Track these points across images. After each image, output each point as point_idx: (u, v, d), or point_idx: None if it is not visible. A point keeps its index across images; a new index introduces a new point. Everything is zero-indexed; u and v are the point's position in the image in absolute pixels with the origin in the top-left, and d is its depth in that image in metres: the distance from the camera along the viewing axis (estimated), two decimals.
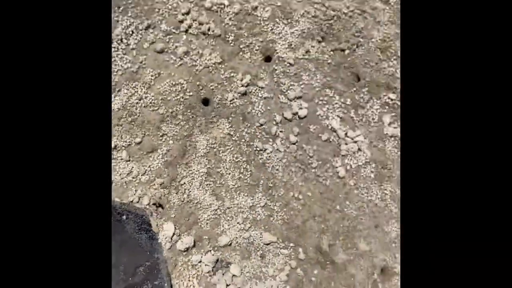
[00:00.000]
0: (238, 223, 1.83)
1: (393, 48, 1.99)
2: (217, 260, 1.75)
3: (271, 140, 1.90)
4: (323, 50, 2.00)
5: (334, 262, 1.73)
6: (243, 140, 1.90)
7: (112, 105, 1.81)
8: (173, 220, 1.77)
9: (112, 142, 1.79)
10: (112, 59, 1.81)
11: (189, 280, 1.69)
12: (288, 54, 1.98)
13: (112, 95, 1.82)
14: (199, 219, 1.80)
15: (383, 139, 1.88)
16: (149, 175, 1.80)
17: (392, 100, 1.94)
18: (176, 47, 1.87)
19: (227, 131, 1.89)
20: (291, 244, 1.77)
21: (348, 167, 1.85)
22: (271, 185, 1.84)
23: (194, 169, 1.85)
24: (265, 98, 1.92)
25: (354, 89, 1.96)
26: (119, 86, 1.82)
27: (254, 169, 1.88)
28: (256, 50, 1.98)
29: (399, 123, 1.91)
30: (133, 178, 1.79)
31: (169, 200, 1.80)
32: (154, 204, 1.76)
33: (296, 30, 1.99)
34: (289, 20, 2.01)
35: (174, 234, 1.72)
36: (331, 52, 1.99)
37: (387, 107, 1.95)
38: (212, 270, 1.73)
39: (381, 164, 1.85)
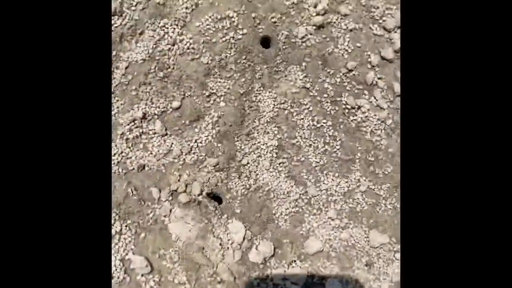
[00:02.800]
0: (330, 218, 1.44)
1: None
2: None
3: (366, 92, 1.58)
4: None
5: None
6: (325, 95, 1.58)
7: (134, 55, 1.39)
8: (239, 216, 1.34)
9: (139, 110, 1.37)
10: None
11: None
12: None
13: (133, 40, 1.40)
14: (275, 214, 1.36)
15: None
16: (197, 154, 1.39)
17: None
18: None
19: (301, 84, 1.57)
20: None
21: None
22: (371, 158, 1.44)
23: (259, 142, 1.44)
24: (351, 30, 1.59)
25: None
26: (141, 27, 1.45)
27: (345, 137, 1.55)
28: None
29: None
30: (174, 158, 1.41)
31: (229, 189, 1.38)
32: (208, 194, 1.33)
33: None
34: None
35: (244, 238, 1.29)
36: None
37: None
38: None
39: None
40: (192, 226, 1.39)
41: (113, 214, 1.41)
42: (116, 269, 1.36)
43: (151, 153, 1.48)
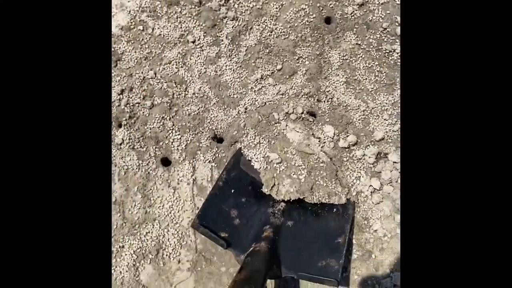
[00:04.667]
0: (385, 119, 2.40)
1: None
2: (378, 152, 2.34)
3: (397, 40, 2.44)
4: None
5: None
6: (371, 46, 2.48)
7: (249, 42, 2.53)
8: (329, 123, 2.41)
9: (258, 73, 2.49)
10: (237, 1, 2.52)
11: (358, 172, 2.31)
12: None
13: (247, 33, 2.54)
14: (352, 119, 2.42)
15: None
16: (296, 89, 2.46)
17: None
18: None
19: (355, 42, 2.49)
20: None
21: None
22: None
23: (333, 81, 2.48)
24: (382, 3, 2.50)
25: None
26: (250, 24, 2.53)
27: (387, 70, 2.45)
28: None
29: None
30: (282, 95, 2.46)
31: (319, 107, 2.45)
32: (308, 113, 2.41)
33: None
34: None
35: (334, 134, 2.35)
36: None
37: None
38: (376, 161, 2.32)
39: None
40: (300, 132, 2.48)
41: (252, 132, 2.55)
42: (261, 163, 2.48)
43: (268, 95, 2.62)
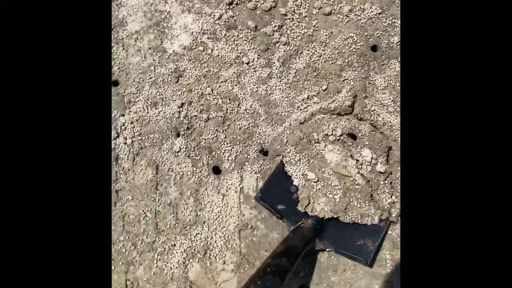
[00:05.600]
0: None
1: None
2: None
3: None
4: None
5: None
6: None
7: (298, 65, 2.74)
8: (368, 146, 2.58)
9: (305, 94, 2.70)
10: (290, 28, 2.74)
11: (390, 197, 2.46)
12: None
13: (296, 57, 2.77)
14: (396, 139, 2.55)
15: None
16: (338, 106, 2.63)
17: None
18: (341, 7, 2.74)
19: (398, 68, 2.64)
20: None
21: None
22: None
23: (379, 98, 2.61)
24: None
25: None
26: (301, 49, 2.75)
27: None
28: None
29: None
30: (324, 115, 2.66)
31: (360, 130, 2.62)
32: (347, 134, 2.60)
33: None
34: None
35: (372, 158, 2.52)
36: None
37: None
38: None
39: None
40: (338, 154, 2.67)
41: (293, 150, 2.78)
42: (300, 179, 2.71)
43: (312, 113, 2.83)
